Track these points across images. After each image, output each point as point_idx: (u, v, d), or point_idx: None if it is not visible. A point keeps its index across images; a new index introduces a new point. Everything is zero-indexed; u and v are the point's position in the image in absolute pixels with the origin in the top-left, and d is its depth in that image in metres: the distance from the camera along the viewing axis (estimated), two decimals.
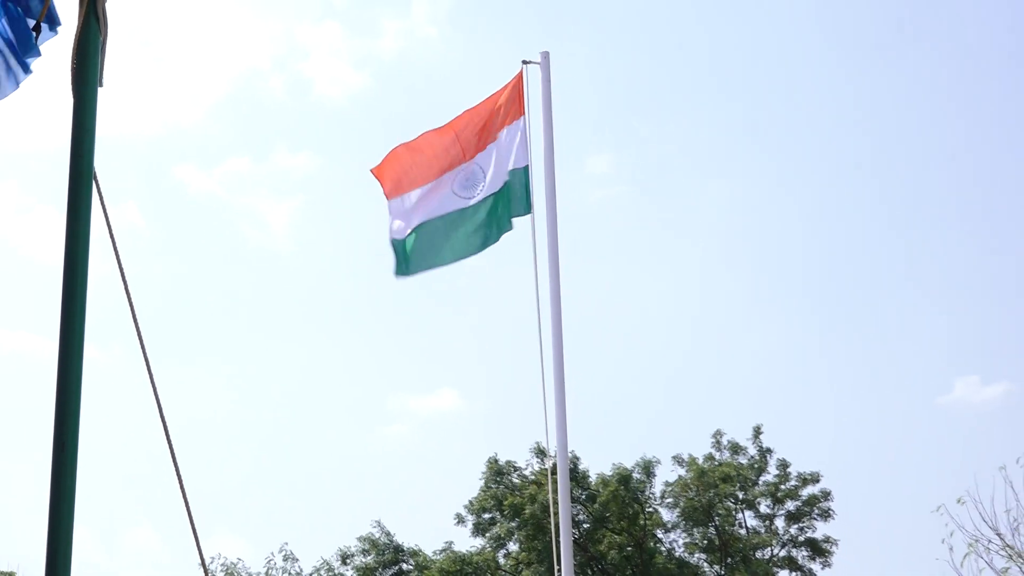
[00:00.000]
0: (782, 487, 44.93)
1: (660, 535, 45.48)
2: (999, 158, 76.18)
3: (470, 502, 45.49)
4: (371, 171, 14.21)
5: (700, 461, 45.19)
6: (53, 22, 3.98)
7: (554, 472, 12.67)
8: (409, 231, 13.76)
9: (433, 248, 13.79)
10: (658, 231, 77.54)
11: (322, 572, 46.13)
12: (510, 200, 13.50)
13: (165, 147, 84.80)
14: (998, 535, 25.29)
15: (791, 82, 79.71)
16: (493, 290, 68.56)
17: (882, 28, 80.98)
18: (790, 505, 44.90)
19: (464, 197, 13.62)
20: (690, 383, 71.57)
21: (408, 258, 13.79)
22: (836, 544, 44.53)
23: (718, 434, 45.86)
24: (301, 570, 45.65)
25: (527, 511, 43.09)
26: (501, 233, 13.51)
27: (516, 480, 45.21)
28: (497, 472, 45.36)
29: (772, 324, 73.96)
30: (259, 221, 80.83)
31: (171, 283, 74.54)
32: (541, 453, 44.71)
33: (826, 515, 44.72)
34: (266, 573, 45.25)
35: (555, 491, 12.45)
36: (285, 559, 45.50)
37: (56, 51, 4.01)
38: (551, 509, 13.43)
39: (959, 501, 25.86)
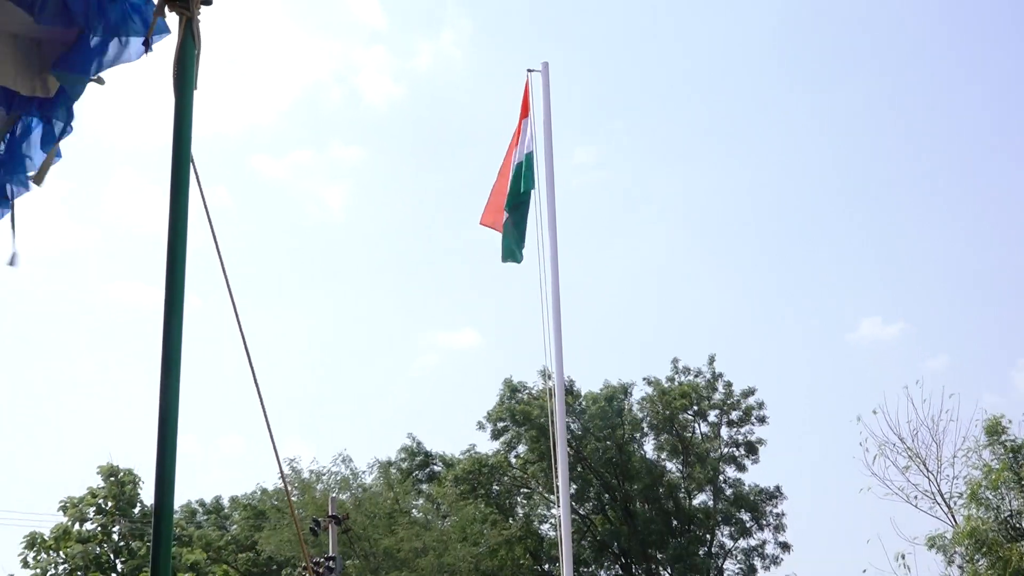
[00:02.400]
0: (728, 401, 45.17)
1: (637, 438, 45.70)
2: (914, 133, 76.35)
3: (488, 412, 45.71)
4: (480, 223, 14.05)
5: (663, 382, 45.49)
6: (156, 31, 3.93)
7: (553, 394, 12.70)
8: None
9: (510, 237, 13.74)
10: (632, 206, 78.09)
11: (375, 469, 46.40)
12: (518, 180, 13.50)
13: (246, 142, 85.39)
14: (901, 440, 25.45)
15: (744, 90, 79.77)
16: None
17: (827, 47, 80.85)
18: (734, 415, 45.13)
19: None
20: (658, 321, 72.39)
21: (504, 248, 13.77)
22: (764, 443, 44.96)
23: (676, 360, 46.09)
24: (357, 468, 45.96)
25: (534, 415, 43.38)
26: (523, 201, 13.46)
27: (525, 396, 45.40)
28: (512, 389, 45.58)
29: (721, 277, 74.82)
30: (318, 200, 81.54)
31: (251, 246, 75.15)
32: (547, 376, 44.93)
33: (762, 420, 45.04)
34: (329, 470, 45.57)
35: (553, 409, 12.47)
36: (343, 462, 45.81)
37: (160, 64, 4.00)
38: (550, 420, 13.45)
39: (873, 412, 26.05)
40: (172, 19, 3.97)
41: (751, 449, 44.91)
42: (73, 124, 4.26)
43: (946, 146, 76.39)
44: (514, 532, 43.38)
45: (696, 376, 45.63)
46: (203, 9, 4.01)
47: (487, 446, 46.12)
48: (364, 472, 46.21)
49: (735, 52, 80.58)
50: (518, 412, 44.46)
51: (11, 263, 4.39)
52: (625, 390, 45.39)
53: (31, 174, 4.42)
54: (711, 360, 45.72)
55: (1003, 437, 23.89)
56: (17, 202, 4.51)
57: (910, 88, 76.93)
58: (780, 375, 68.46)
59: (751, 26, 79.76)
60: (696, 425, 45.76)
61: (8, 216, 4.48)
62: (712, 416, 45.46)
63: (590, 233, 70.18)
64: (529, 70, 13.77)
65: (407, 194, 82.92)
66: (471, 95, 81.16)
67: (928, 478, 24.91)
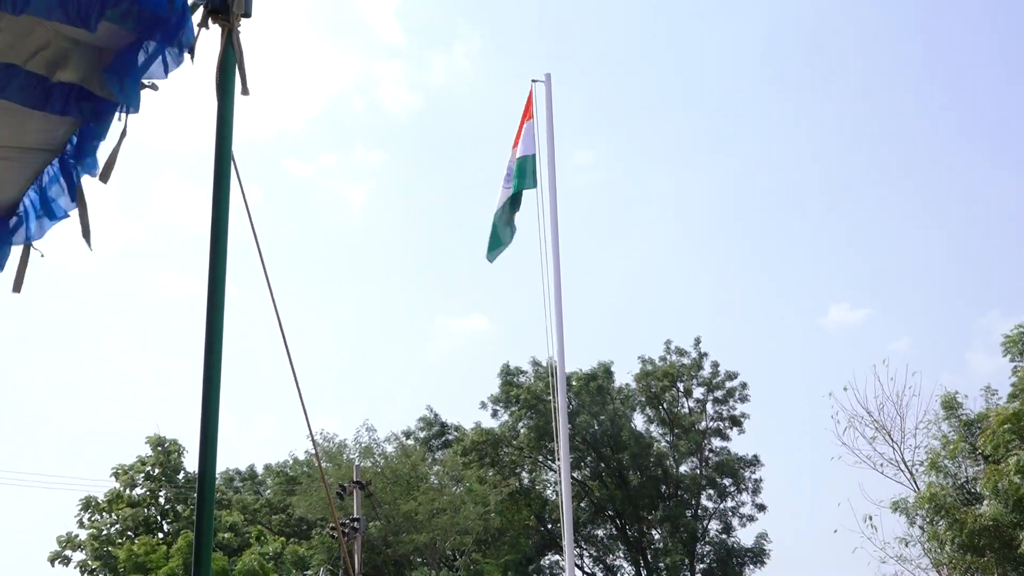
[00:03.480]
0: (714, 380, 45.10)
1: (627, 412, 45.64)
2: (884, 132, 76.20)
3: (489, 395, 45.77)
4: None
5: (656, 361, 45.44)
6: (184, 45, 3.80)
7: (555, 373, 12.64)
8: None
9: (499, 232, 13.58)
10: (628, 204, 78.17)
11: (392, 440, 46.36)
12: (522, 176, 13.39)
13: (277, 145, 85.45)
14: (868, 413, 25.39)
15: (733, 97, 79.64)
16: (513, 243, 68.48)
17: (806, 59, 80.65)
18: (719, 393, 45.07)
19: (506, 187, 13.51)
20: (653, 306, 72.50)
21: (489, 245, 13.61)
22: (748, 417, 44.97)
23: (668, 342, 46.08)
24: (379, 438, 45.89)
25: (523, 397, 43.57)
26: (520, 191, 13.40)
27: (523, 380, 45.41)
28: (508, 373, 45.57)
29: (710, 268, 74.76)
30: (343, 199, 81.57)
31: (283, 242, 75.14)
32: (536, 364, 45.02)
33: (744, 399, 44.98)
34: (354, 439, 45.49)
35: (555, 390, 12.40)
36: (367, 431, 45.76)
37: (203, 74, 3.93)
38: (552, 399, 13.38)
39: (844, 389, 26.07)
40: (215, 31, 3.91)
41: (735, 422, 44.92)
42: (126, 127, 4.16)
43: (912, 151, 76.35)
44: (516, 487, 43.71)
45: (682, 355, 45.63)
46: (243, 21, 3.94)
47: (493, 421, 46.23)
48: (385, 442, 46.22)
49: (725, 63, 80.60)
50: (513, 394, 44.61)
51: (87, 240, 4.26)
52: (607, 370, 45.37)
53: (97, 172, 4.31)
54: (697, 342, 45.74)
55: (958, 412, 23.81)
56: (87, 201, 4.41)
57: (885, 91, 76.93)
58: (762, 355, 68.78)
59: (740, 38, 79.82)
60: (682, 400, 45.73)
61: (75, 208, 4.38)
62: (698, 393, 45.45)
63: (589, 229, 70.37)
64: (533, 80, 13.64)
65: (422, 193, 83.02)
66: (480, 103, 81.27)
67: (893, 448, 24.91)
